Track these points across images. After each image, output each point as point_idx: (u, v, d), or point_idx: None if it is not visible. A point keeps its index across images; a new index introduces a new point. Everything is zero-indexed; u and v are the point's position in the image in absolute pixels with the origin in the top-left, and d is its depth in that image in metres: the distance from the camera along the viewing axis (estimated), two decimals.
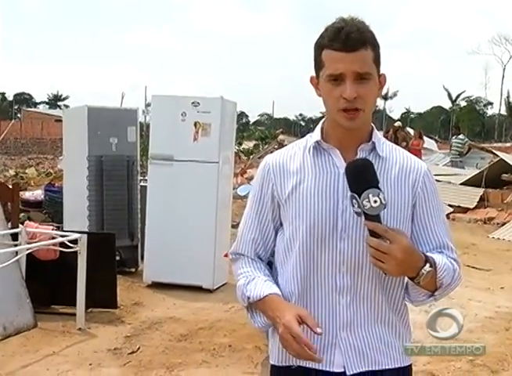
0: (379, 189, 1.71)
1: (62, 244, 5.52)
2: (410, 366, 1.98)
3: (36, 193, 9.30)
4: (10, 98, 70.45)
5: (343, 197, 1.84)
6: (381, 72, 1.88)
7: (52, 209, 8.46)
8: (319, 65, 1.85)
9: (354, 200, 1.73)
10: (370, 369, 1.89)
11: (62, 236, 5.61)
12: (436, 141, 35.97)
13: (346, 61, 1.79)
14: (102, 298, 5.87)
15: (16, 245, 5.57)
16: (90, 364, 4.78)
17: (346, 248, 1.85)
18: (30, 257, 5.66)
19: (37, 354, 4.93)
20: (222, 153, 6.92)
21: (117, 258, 7.12)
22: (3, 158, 21.48)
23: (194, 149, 6.83)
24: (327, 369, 1.90)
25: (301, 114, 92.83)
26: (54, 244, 5.58)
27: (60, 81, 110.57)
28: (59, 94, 70.67)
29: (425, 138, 23.08)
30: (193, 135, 6.83)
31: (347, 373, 1.88)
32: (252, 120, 73.42)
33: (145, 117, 36.84)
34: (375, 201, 1.69)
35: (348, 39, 1.78)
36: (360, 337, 1.89)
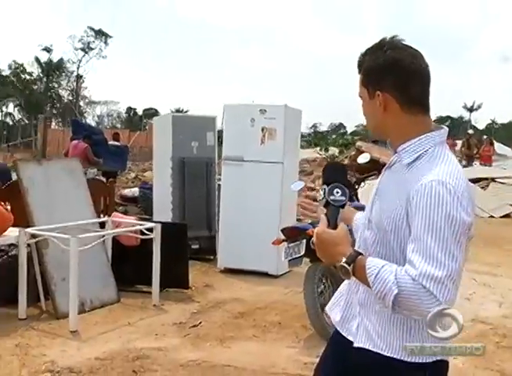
0: (333, 187, 1.82)
1: (143, 233, 5.75)
2: (412, 363, 1.75)
3: (133, 190, 9.72)
4: (140, 113, 73.29)
5: (375, 191, 1.88)
6: (377, 92, 1.79)
7: (144, 203, 8.82)
8: None
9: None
10: (373, 350, 1.81)
11: (140, 225, 5.85)
12: None
13: None
14: (176, 279, 6.09)
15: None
16: (156, 334, 4.98)
17: (369, 236, 1.85)
18: (117, 243, 5.96)
19: (115, 324, 5.20)
20: (287, 154, 6.98)
21: (197, 246, 7.37)
22: (129, 163, 22.36)
23: (261, 151, 6.95)
24: (346, 335, 1.92)
25: None
26: (135, 232, 5.83)
27: (182, 97, 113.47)
28: (181, 109, 72.71)
29: (501, 145, 22.91)
30: (261, 139, 6.94)
31: (354, 344, 1.87)
32: (350, 130, 72.70)
33: None
34: (320, 195, 1.84)
35: None
36: (369, 319, 1.84)
